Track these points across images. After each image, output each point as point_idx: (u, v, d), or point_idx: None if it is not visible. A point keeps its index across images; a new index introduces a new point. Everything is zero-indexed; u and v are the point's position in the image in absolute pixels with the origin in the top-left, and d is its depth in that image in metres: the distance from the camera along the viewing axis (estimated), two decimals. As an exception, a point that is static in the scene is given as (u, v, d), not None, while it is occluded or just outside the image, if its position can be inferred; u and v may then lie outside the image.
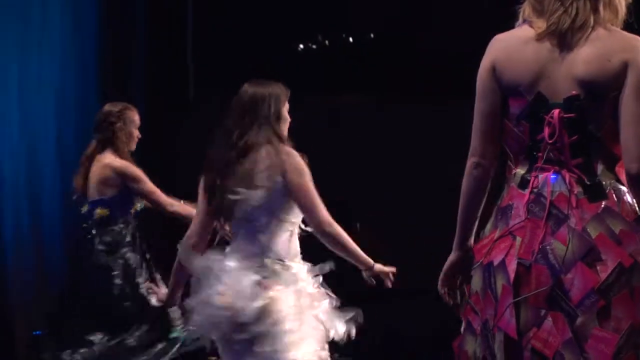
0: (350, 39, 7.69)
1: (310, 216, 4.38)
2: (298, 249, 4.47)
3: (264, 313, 4.22)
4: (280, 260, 4.38)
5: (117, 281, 5.87)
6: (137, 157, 6.06)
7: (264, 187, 4.33)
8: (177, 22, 8.25)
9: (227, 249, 4.44)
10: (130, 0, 8.10)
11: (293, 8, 7.11)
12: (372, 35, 7.95)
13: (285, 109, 4.52)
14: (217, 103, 6.34)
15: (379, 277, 4.54)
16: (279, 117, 4.47)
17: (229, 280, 4.28)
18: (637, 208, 3.09)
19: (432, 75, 7.76)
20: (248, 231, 4.41)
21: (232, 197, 4.36)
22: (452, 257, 3.34)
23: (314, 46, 7.95)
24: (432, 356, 7.01)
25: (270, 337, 4.21)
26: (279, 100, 4.48)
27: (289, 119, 4.53)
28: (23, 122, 7.35)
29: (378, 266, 4.54)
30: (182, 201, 5.86)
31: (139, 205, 6.03)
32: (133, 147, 6.08)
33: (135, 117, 6.08)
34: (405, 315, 6.91)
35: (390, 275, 4.56)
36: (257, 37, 7.69)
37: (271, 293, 4.26)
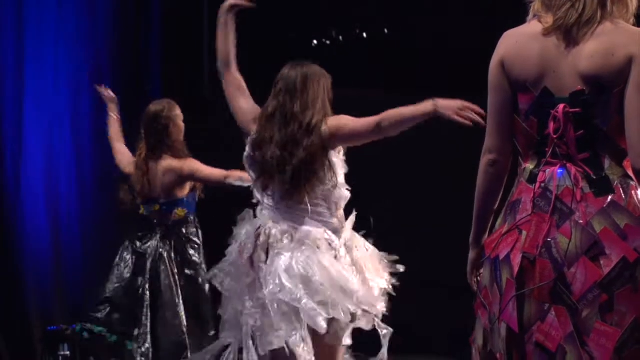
0: (365, 35, 7.69)
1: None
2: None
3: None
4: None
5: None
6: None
7: None
8: (192, 21, 8.26)
9: None
10: (146, -1, 8.14)
11: (308, 4, 7.09)
12: (386, 31, 7.96)
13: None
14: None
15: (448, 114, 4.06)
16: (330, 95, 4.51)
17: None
18: (645, 203, 3.07)
19: (443, 70, 7.78)
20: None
21: None
22: (471, 255, 3.38)
23: (328, 42, 7.98)
24: (449, 352, 7.03)
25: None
26: (328, 84, 4.52)
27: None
28: (39, 124, 7.39)
29: (440, 103, 4.11)
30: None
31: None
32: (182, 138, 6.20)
33: (179, 111, 6.20)
34: (420, 310, 6.92)
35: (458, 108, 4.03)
36: (273, 35, 7.72)
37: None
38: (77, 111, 7.62)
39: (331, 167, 4.38)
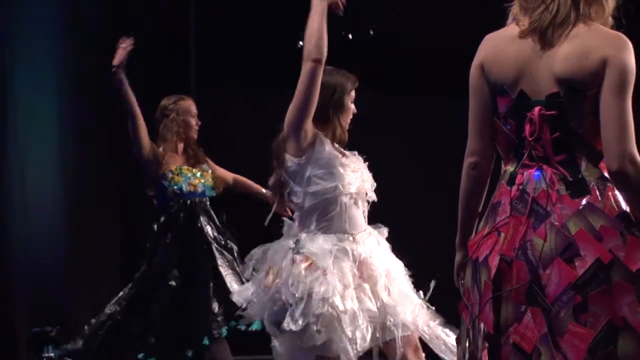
0: (350, 36, 7.68)
1: None
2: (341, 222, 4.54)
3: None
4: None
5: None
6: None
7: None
8: (179, 23, 8.26)
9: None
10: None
11: (293, 5, 7.06)
12: (372, 33, 7.95)
13: (350, 98, 4.65)
14: (217, 102, 6.39)
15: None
16: (341, 105, 4.56)
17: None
18: (622, 204, 3.08)
19: (430, 71, 7.80)
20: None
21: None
22: (457, 257, 3.43)
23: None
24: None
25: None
26: (343, 90, 4.57)
27: (352, 109, 4.67)
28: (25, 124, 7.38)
29: None
30: None
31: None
32: (193, 135, 6.28)
33: (190, 107, 6.28)
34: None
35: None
36: (258, 37, 7.71)
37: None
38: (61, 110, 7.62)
39: None
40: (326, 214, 4.50)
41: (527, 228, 3.09)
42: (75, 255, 7.39)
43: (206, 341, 5.97)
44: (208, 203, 6.25)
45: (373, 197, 4.66)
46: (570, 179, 3.10)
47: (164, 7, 8.11)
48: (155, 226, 6.15)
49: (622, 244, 3.01)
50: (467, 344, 3.25)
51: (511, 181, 3.18)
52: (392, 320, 4.46)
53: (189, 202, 6.18)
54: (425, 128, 8.01)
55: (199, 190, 6.20)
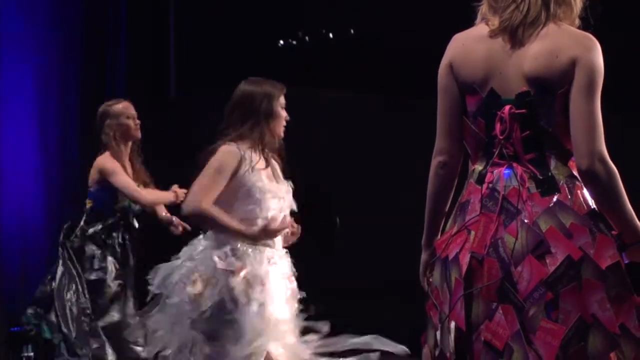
0: (331, 35, 7.71)
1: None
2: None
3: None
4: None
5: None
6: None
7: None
8: (158, 21, 8.27)
9: None
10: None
11: (273, 5, 7.10)
12: (352, 32, 7.98)
13: (280, 105, 4.66)
14: (197, 103, 6.39)
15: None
16: (270, 114, 4.58)
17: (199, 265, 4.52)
18: (590, 202, 3.11)
19: (408, 72, 7.81)
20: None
21: None
22: (423, 257, 3.42)
23: (294, 42, 7.98)
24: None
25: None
26: (271, 98, 4.59)
27: (283, 116, 4.71)
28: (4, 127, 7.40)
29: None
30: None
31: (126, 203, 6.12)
32: (135, 135, 6.22)
33: (122, 109, 6.20)
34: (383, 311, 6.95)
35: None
36: (239, 36, 7.72)
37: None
38: (45, 111, 7.63)
39: None
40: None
41: (498, 226, 3.10)
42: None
43: None
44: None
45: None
46: (540, 177, 3.12)
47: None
48: (91, 230, 6.18)
49: (592, 241, 3.04)
50: (433, 344, 3.25)
51: (480, 180, 3.19)
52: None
53: (128, 215, 6.24)
54: (393, 128, 8.01)
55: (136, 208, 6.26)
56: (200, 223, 4.67)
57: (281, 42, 7.31)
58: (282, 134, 4.71)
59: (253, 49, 7.62)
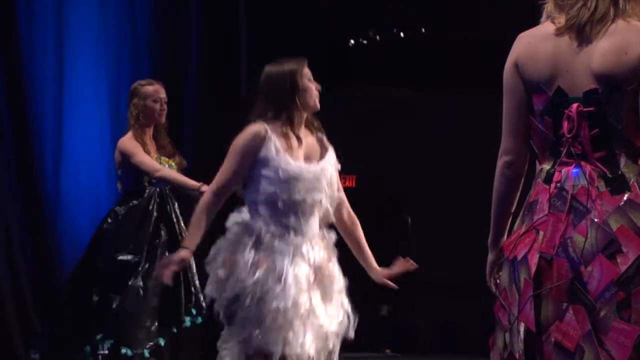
0: (402, 34, 7.70)
1: None
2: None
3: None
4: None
5: None
6: (187, 154, 6.15)
7: None
8: (230, 20, 8.31)
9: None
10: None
11: (345, 4, 7.12)
12: (423, 30, 7.96)
13: (306, 77, 4.62)
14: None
15: None
16: (295, 89, 4.56)
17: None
18: (662, 200, 3.06)
19: (480, 68, 7.77)
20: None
21: None
22: (490, 257, 3.39)
23: (365, 41, 7.98)
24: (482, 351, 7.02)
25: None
26: (294, 74, 4.59)
27: (311, 87, 4.62)
28: (79, 123, 7.48)
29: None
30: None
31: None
32: (158, 120, 6.22)
33: (152, 91, 6.20)
34: (455, 309, 6.91)
35: None
36: (310, 34, 7.74)
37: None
38: (118, 110, 7.70)
39: None
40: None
41: (567, 225, 3.07)
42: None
43: (174, 329, 6.08)
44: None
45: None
46: (610, 176, 3.08)
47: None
48: (123, 210, 6.19)
49: (664, 240, 3.00)
50: (503, 346, 3.22)
51: (548, 179, 3.16)
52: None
53: (159, 190, 6.23)
54: (458, 128, 7.97)
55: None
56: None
57: (352, 41, 7.29)
58: (316, 105, 4.61)
59: (324, 48, 7.64)
